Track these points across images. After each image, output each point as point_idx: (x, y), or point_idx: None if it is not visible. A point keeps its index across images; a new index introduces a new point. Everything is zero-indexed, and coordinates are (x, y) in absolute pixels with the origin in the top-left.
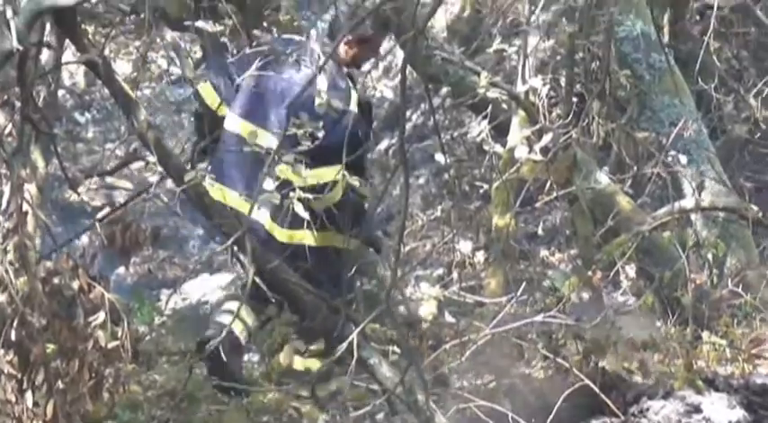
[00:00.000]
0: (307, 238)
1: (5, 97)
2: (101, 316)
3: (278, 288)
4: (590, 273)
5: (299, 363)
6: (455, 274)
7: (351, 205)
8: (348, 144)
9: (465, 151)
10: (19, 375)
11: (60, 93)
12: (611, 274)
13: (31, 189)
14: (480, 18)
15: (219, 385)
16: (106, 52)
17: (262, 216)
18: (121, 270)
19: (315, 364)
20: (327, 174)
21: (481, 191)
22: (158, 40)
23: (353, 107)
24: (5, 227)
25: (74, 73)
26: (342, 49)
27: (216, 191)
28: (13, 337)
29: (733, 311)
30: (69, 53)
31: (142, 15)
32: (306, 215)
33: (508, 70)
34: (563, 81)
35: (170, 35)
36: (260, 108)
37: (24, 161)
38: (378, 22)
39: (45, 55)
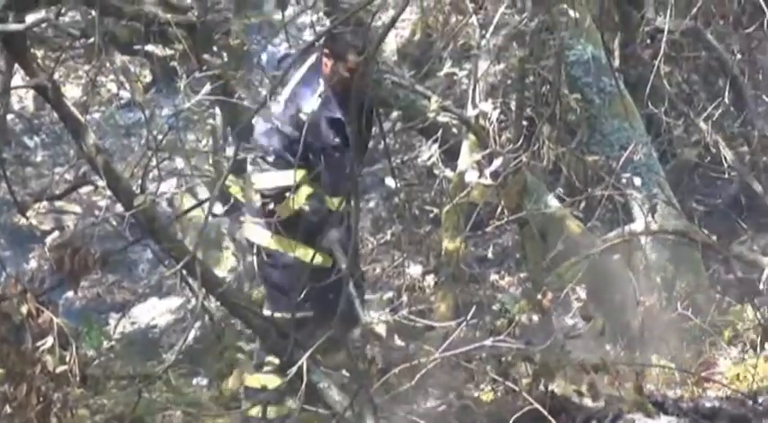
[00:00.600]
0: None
1: None
2: (49, 340)
3: (230, 311)
4: (540, 296)
5: (254, 379)
6: (405, 298)
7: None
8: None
9: (415, 175)
10: None
11: (9, 117)
12: (562, 297)
13: None
14: (431, 42)
15: None
16: (55, 76)
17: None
18: (70, 294)
19: (272, 381)
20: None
21: (431, 215)
22: (108, 64)
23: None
24: None
25: (23, 97)
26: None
27: None
28: None
29: (682, 334)
30: (18, 77)
31: (92, 39)
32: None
33: (458, 94)
34: (513, 105)
35: (119, 59)
36: None
37: None
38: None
39: None
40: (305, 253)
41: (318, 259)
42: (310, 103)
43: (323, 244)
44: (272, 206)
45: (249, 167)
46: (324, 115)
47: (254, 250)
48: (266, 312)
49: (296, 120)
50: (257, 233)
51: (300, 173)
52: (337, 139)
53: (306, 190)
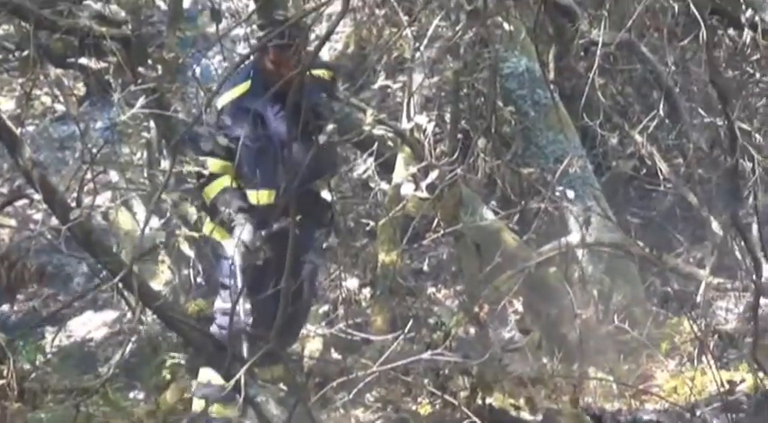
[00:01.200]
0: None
1: None
2: None
3: (167, 324)
4: (476, 309)
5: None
6: (342, 311)
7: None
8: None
9: (351, 188)
10: None
11: None
12: (498, 310)
13: None
14: (364, 55)
15: None
16: None
17: None
18: (6, 308)
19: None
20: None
21: (367, 228)
22: (42, 77)
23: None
24: None
25: None
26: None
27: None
28: None
29: (619, 347)
30: None
31: (26, 53)
32: None
33: (393, 107)
34: (448, 118)
35: (54, 72)
36: None
37: None
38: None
39: None
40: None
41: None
42: (228, 95)
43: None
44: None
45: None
46: (244, 105)
47: (192, 260)
48: (219, 305)
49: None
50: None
51: (219, 163)
52: (262, 131)
53: (223, 181)
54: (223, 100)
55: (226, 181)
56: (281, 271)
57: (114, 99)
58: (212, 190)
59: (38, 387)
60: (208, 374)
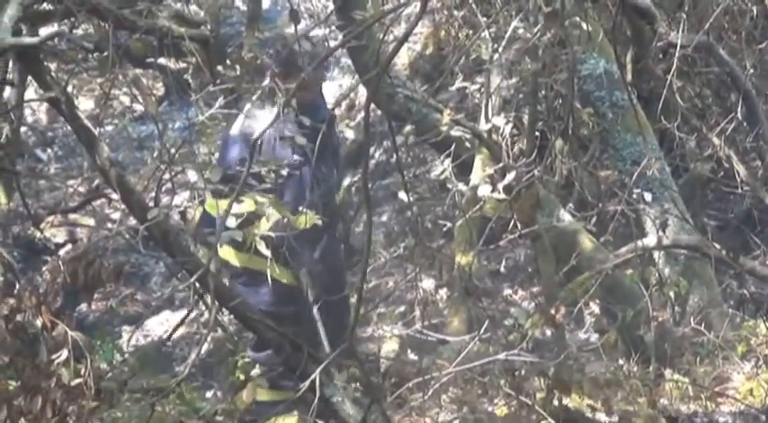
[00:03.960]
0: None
1: None
2: (64, 353)
3: (243, 324)
4: (554, 310)
5: (264, 393)
6: (418, 312)
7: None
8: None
9: (428, 189)
10: None
11: (23, 129)
12: (575, 311)
13: None
14: (443, 56)
15: None
16: (69, 89)
17: None
18: (83, 307)
19: (283, 396)
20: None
21: (444, 229)
22: (121, 77)
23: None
24: None
25: (36, 110)
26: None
27: None
28: None
29: (695, 349)
30: (32, 90)
31: (105, 53)
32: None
33: (471, 108)
34: (526, 119)
35: (133, 72)
36: None
37: None
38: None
39: (7, 92)
40: (279, 274)
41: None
42: (262, 124)
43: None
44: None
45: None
46: (278, 134)
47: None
48: None
49: (250, 142)
50: (230, 254)
51: (260, 200)
52: (296, 156)
53: (273, 215)
54: (259, 128)
55: (274, 214)
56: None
57: (193, 99)
58: (265, 225)
59: (114, 386)
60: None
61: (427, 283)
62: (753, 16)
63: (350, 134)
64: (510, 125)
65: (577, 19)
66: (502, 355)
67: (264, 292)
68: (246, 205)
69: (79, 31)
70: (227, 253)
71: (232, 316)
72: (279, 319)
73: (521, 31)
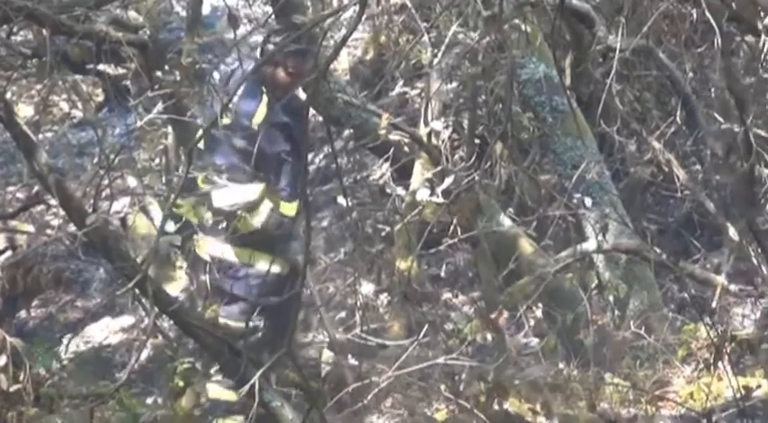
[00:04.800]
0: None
1: None
2: (2, 359)
3: (182, 329)
4: (494, 315)
5: (216, 391)
6: (358, 317)
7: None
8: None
9: (368, 194)
10: None
11: None
12: (518, 316)
13: None
14: (383, 61)
15: None
16: (8, 95)
17: None
18: (23, 313)
19: (231, 396)
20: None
21: (384, 233)
22: (60, 83)
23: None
24: None
25: None
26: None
27: None
28: None
29: (636, 353)
30: None
31: (44, 58)
32: None
33: (411, 113)
34: (465, 123)
35: (72, 78)
36: None
37: None
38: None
39: None
40: (266, 263)
41: (277, 268)
42: (258, 113)
43: (289, 256)
44: (224, 224)
45: (203, 186)
46: (271, 122)
47: (208, 264)
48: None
49: (246, 132)
50: (216, 247)
51: (259, 187)
52: (287, 145)
53: (267, 205)
54: (257, 118)
55: (268, 204)
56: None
57: (132, 104)
58: (261, 215)
59: (54, 392)
60: (217, 390)
61: (367, 288)
62: (692, 20)
63: None
64: (449, 129)
65: (517, 23)
66: (441, 360)
67: (255, 284)
68: (241, 194)
69: (17, 38)
70: (216, 246)
71: (172, 322)
72: (263, 309)
73: (460, 35)
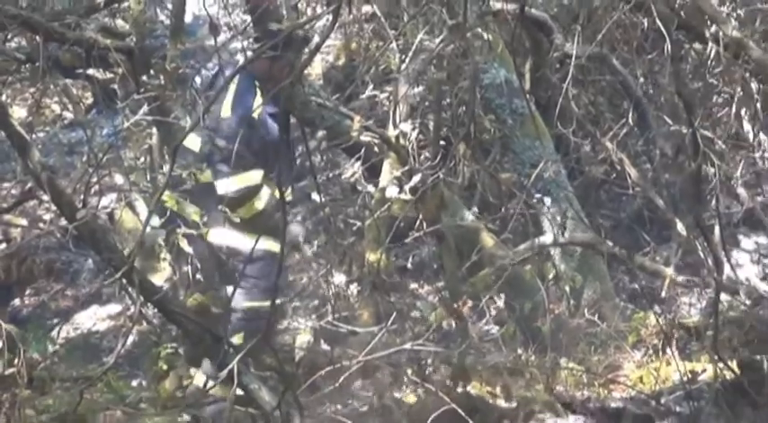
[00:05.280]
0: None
1: None
2: None
3: (166, 317)
4: (457, 304)
5: (199, 379)
6: (330, 305)
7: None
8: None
9: (340, 191)
10: None
11: None
12: (480, 305)
13: None
14: (354, 66)
15: None
16: (3, 98)
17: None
18: (17, 301)
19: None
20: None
21: (354, 228)
22: (52, 86)
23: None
24: None
25: None
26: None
27: None
28: None
29: (589, 339)
30: None
31: (37, 63)
32: None
33: (380, 115)
34: (431, 125)
35: (63, 82)
36: None
37: None
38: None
39: None
40: (272, 244)
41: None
42: (256, 104)
43: (288, 238)
44: (227, 211)
45: (209, 174)
46: (266, 112)
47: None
48: (242, 305)
49: (248, 122)
50: (227, 236)
51: (259, 173)
52: (279, 134)
53: (266, 191)
54: (256, 109)
55: (267, 190)
56: None
57: (119, 107)
58: (261, 201)
59: (46, 375)
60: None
61: (339, 279)
62: (643, 28)
63: None
64: (416, 131)
65: (479, 31)
66: (408, 346)
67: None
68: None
69: (12, 44)
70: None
71: (156, 310)
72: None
73: (426, 42)
